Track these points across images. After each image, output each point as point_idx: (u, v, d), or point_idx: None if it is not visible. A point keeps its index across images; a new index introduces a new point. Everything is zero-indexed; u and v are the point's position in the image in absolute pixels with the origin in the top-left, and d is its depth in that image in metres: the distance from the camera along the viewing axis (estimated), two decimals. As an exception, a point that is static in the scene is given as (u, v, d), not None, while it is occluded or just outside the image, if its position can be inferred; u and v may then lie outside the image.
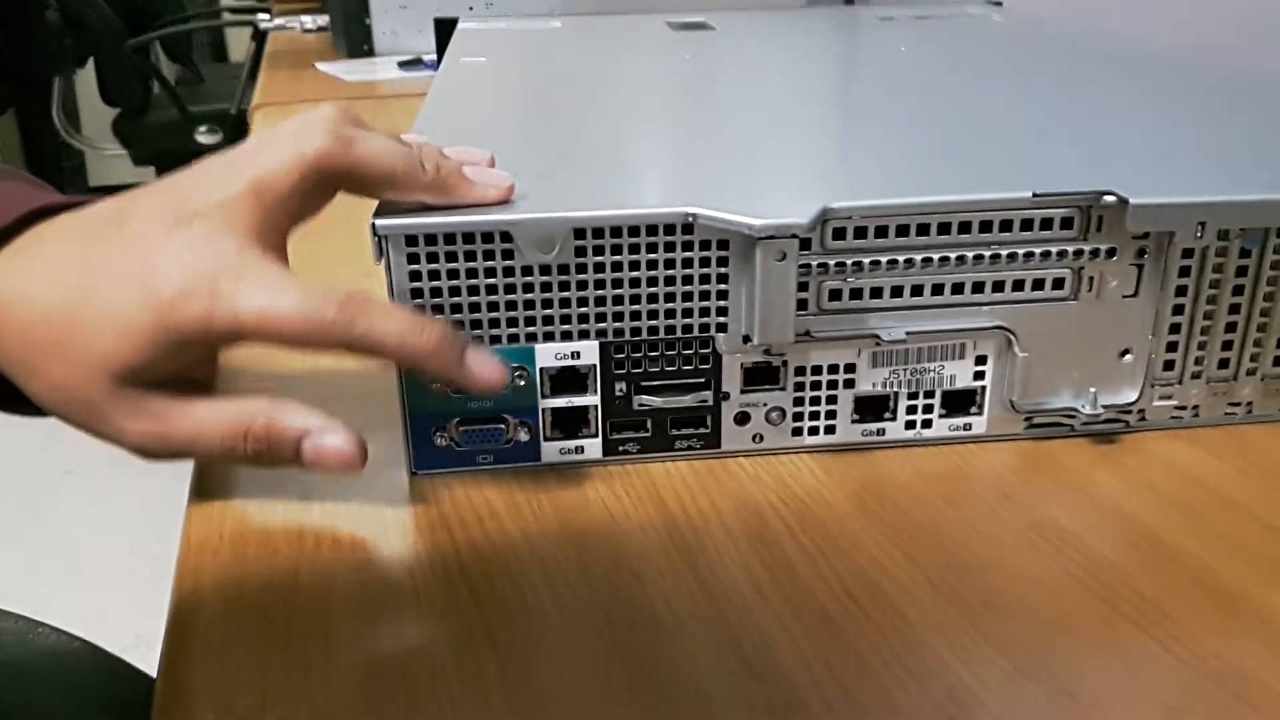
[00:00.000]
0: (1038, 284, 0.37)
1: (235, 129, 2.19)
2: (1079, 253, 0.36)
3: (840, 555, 0.33)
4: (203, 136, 2.29)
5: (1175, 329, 0.38)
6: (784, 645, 0.29)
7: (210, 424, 0.33)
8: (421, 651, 0.29)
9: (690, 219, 0.35)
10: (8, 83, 2.64)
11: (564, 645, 0.29)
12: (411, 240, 0.34)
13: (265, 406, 0.33)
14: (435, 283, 0.35)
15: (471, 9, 1.28)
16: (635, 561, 0.33)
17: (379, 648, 0.29)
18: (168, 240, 0.32)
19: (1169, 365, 0.38)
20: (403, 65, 1.17)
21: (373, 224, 0.34)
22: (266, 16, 1.74)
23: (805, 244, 0.35)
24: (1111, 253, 0.36)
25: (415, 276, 0.35)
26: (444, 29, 0.97)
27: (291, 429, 0.33)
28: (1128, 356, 0.38)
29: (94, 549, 1.63)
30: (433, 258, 0.35)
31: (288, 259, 0.34)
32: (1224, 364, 0.39)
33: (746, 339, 0.36)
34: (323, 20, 1.51)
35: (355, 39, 1.28)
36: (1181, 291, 0.37)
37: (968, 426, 0.39)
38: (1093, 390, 0.38)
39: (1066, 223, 0.36)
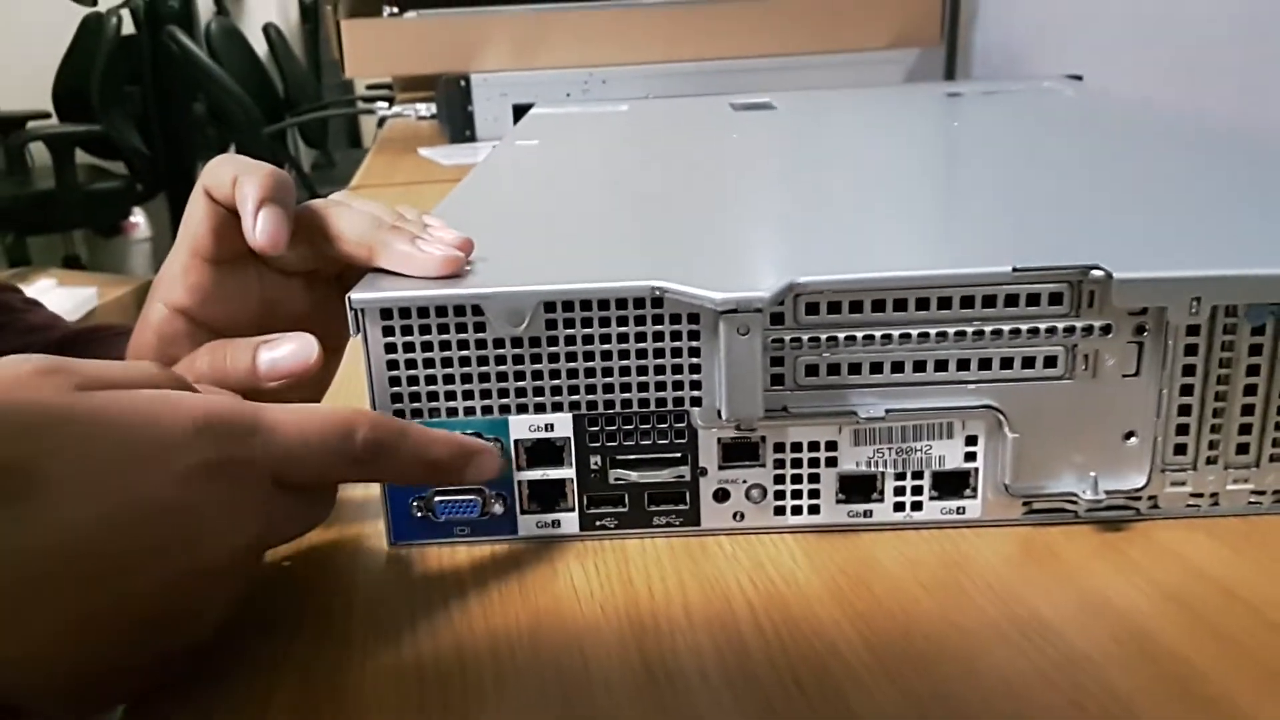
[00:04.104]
0: (1027, 362, 0.35)
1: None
2: (1070, 330, 0.35)
3: (798, 640, 0.31)
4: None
5: (1185, 410, 0.36)
6: (713, 732, 0.28)
7: None
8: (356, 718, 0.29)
9: (658, 292, 0.34)
10: (160, 169, 2.85)
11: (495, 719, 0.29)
12: (386, 313, 0.35)
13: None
14: (410, 354, 0.36)
15: (569, 95, 1.32)
16: (586, 640, 0.32)
17: (317, 714, 0.29)
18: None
19: (1180, 449, 0.36)
20: (496, 149, 1.21)
21: (348, 297, 0.35)
22: (385, 105, 1.83)
23: (778, 318, 0.35)
24: (1107, 329, 0.35)
25: (391, 349, 0.36)
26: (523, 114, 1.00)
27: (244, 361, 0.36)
28: (1133, 439, 0.36)
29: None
30: (407, 330, 0.35)
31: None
32: (1243, 449, 0.36)
33: (721, 413, 0.36)
34: (435, 109, 1.59)
35: (458, 125, 1.33)
36: (1189, 371, 0.35)
37: (961, 510, 0.37)
38: (1093, 474, 0.36)
39: (1056, 298, 0.35)
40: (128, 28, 2.90)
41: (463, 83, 1.32)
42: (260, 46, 3.22)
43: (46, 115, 2.99)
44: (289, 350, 0.35)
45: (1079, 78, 0.88)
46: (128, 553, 0.27)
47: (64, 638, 0.26)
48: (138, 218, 3.04)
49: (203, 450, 0.28)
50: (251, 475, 0.30)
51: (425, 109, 1.63)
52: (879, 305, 0.35)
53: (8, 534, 0.25)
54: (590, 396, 0.36)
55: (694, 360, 0.35)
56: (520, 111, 0.99)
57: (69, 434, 0.27)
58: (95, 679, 0.28)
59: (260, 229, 0.36)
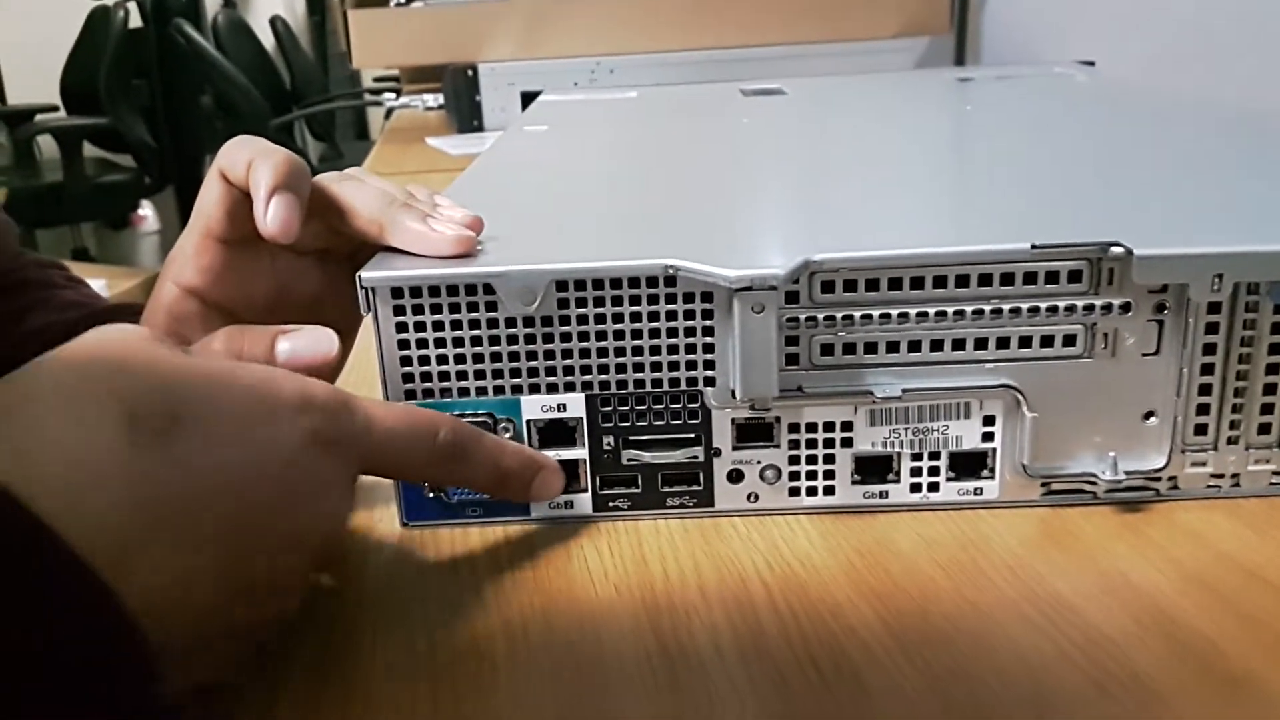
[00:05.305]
0: (1046, 340, 0.35)
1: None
2: (1089, 308, 0.34)
3: (814, 621, 0.31)
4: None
5: (1206, 390, 0.35)
6: (729, 710, 0.27)
7: None
8: (366, 702, 0.29)
9: (671, 271, 0.34)
10: (167, 161, 2.85)
11: (506, 699, 0.28)
12: (397, 292, 0.35)
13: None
14: (421, 334, 0.35)
15: (576, 84, 1.31)
16: (600, 620, 0.32)
17: (322, 699, 0.29)
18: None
19: (1201, 429, 0.36)
20: (504, 138, 1.21)
21: (358, 276, 0.35)
22: (393, 96, 1.83)
23: (793, 297, 0.35)
24: (1126, 308, 0.34)
25: (402, 328, 0.35)
26: (531, 102, 1.00)
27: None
28: (1152, 419, 0.35)
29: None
30: (418, 309, 0.35)
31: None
32: (1265, 429, 0.36)
33: (735, 393, 0.35)
34: (443, 99, 1.58)
35: (465, 115, 1.33)
36: (1210, 349, 0.35)
37: (978, 491, 0.37)
38: (1112, 455, 0.36)
39: (1075, 276, 0.34)
40: (135, 21, 2.90)
41: (470, 72, 1.32)
42: (267, 39, 3.22)
43: (54, 108, 2.99)
44: (308, 341, 0.35)
45: (1091, 64, 0.88)
46: (244, 507, 0.27)
47: (186, 585, 0.26)
48: (146, 210, 3.04)
49: (312, 420, 0.29)
50: (351, 455, 0.31)
51: (433, 99, 1.63)
52: (895, 283, 0.34)
53: (161, 471, 0.26)
54: (603, 376, 0.36)
55: (708, 340, 0.35)
56: (528, 100, 0.99)
57: (201, 388, 0.28)
58: (200, 639, 0.27)
59: (272, 216, 0.36)
